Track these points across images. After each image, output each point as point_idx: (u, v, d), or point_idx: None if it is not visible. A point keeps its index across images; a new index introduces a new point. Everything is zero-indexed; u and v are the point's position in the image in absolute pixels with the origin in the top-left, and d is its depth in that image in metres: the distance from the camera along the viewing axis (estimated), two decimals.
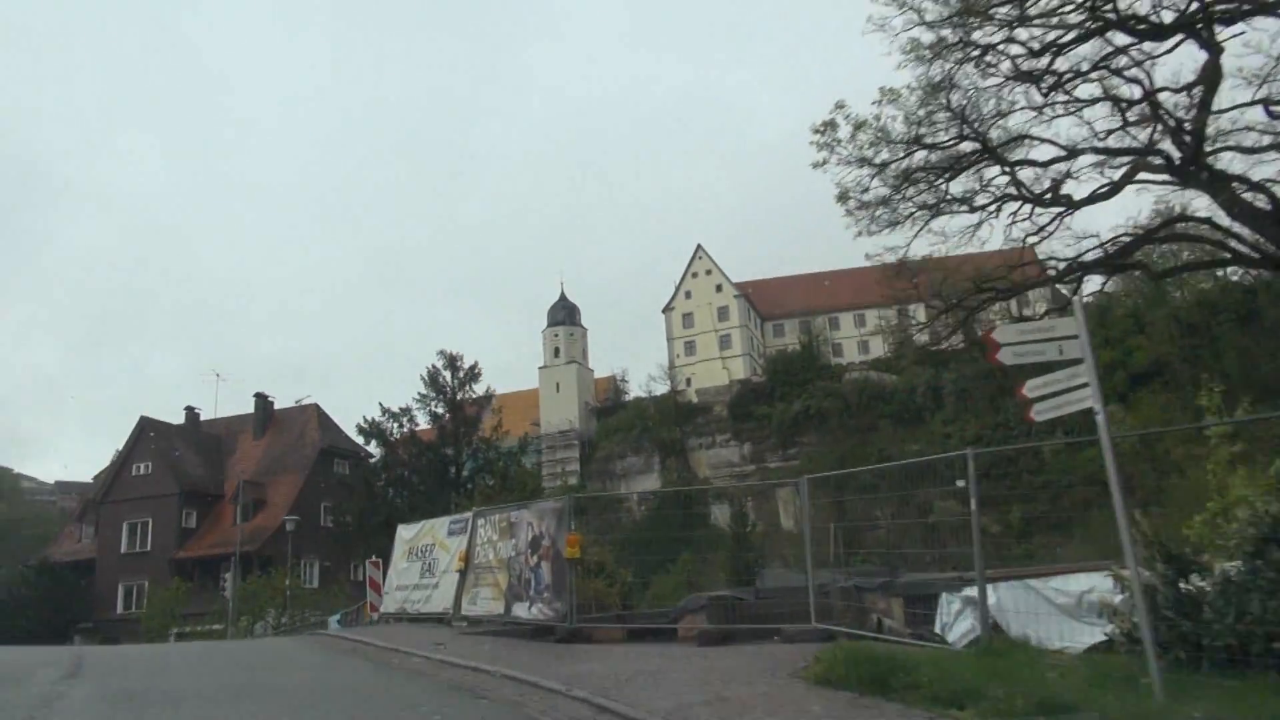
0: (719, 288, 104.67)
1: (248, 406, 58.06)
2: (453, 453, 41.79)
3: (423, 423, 43.18)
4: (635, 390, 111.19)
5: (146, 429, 53.04)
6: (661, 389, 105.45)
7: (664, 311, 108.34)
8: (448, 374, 43.56)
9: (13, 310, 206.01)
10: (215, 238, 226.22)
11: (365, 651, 13.60)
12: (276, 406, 57.63)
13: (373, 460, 46.27)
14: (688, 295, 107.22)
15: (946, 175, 20.14)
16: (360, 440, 43.59)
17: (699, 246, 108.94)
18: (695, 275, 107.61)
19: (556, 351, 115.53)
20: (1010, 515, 36.89)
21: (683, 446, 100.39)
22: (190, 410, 57.63)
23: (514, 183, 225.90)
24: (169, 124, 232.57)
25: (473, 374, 44.42)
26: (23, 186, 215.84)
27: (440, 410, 43.17)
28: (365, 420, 42.05)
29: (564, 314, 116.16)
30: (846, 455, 77.14)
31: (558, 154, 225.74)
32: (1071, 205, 19.77)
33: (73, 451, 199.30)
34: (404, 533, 22.12)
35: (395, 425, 42.35)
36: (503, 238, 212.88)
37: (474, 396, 45.24)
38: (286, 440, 55.18)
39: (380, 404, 41.40)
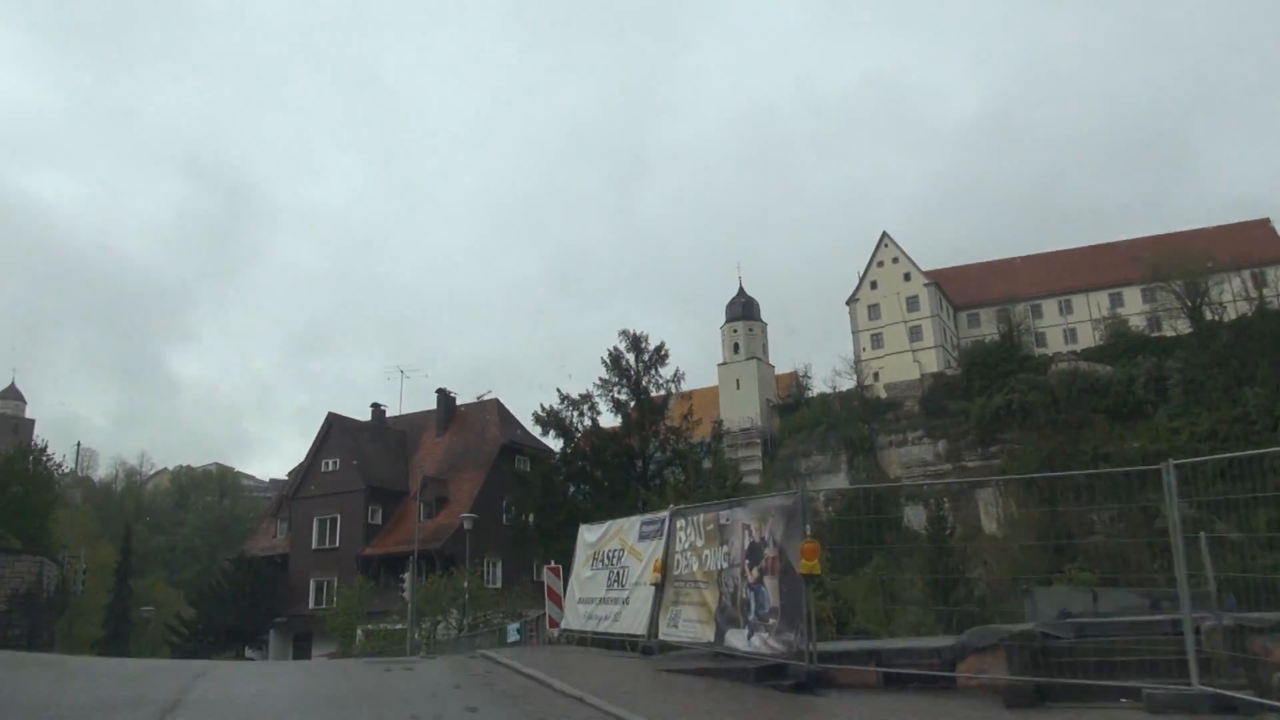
0: (907, 276, 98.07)
1: (431, 403, 57.06)
2: (638, 443, 38.15)
3: (605, 411, 39.84)
4: (819, 386, 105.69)
5: (334, 425, 52.67)
6: (847, 384, 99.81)
7: (848, 303, 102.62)
8: (631, 356, 39.58)
9: (232, 323, 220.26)
10: (405, 247, 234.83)
11: (538, 696, 10.12)
12: (458, 403, 56.35)
13: (552, 454, 43.54)
14: (873, 285, 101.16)
15: None
16: (538, 432, 40.26)
17: (884, 234, 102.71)
18: (881, 264, 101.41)
19: (736, 347, 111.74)
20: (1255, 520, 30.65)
21: (871, 444, 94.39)
22: (376, 407, 57.19)
23: (691, 178, 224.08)
24: (361, 142, 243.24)
25: (659, 356, 40.14)
26: (236, 209, 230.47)
27: (623, 397, 39.42)
28: (543, 409, 38.86)
29: (742, 308, 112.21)
30: (1054, 454, 69.86)
31: (734, 147, 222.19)
32: None
33: (287, 451, 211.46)
34: (587, 535, 18.84)
35: (575, 414, 39.03)
36: (680, 234, 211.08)
37: (661, 381, 40.95)
38: (468, 436, 53.73)
39: (559, 391, 39.02)
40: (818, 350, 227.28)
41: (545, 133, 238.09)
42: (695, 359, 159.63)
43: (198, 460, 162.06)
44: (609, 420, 38.69)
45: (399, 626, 40.09)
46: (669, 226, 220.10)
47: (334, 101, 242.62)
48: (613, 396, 39.02)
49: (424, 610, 39.37)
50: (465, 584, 35.16)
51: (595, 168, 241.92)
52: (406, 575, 37.36)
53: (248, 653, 51.07)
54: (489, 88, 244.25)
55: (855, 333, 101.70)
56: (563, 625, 18.83)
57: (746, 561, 12.84)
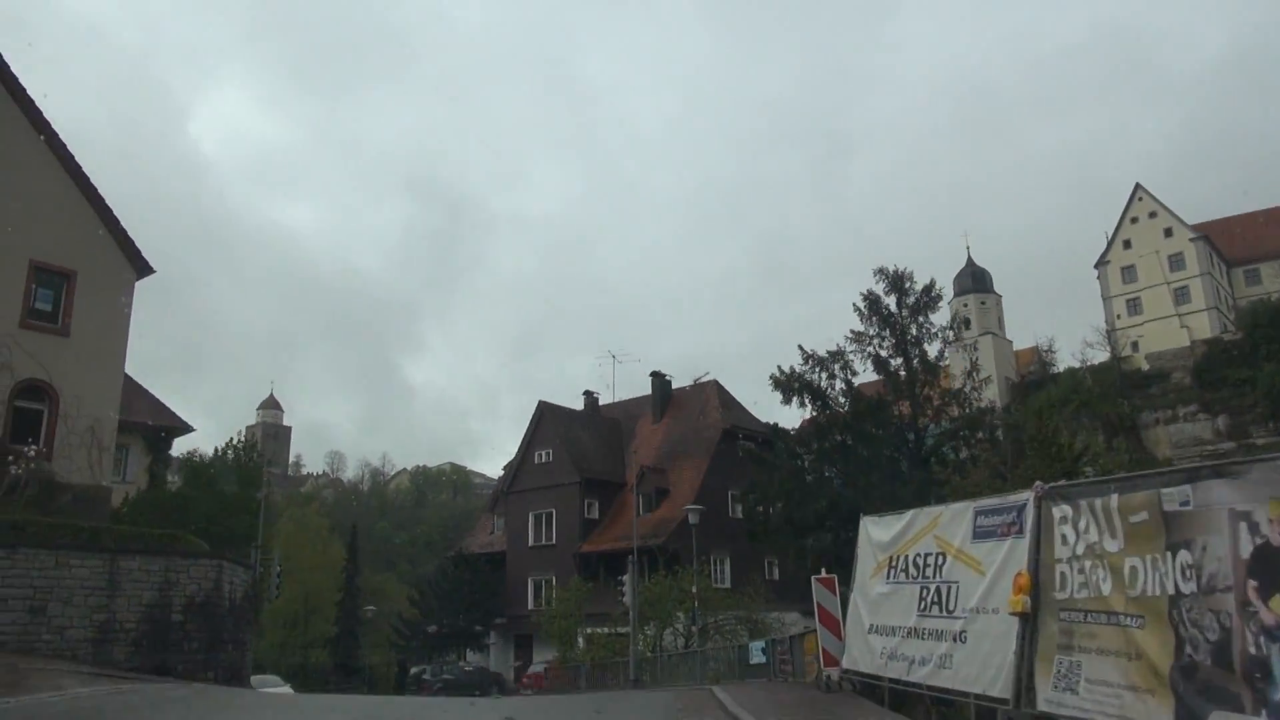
0: (1168, 232, 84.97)
1: (644, 389, 52.21)
2: (908, 410, 29.56)
3: (860, 372, 31.09)
4: (1065, 360, 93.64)
5: (545, 415, 48.75)
6: (1100, 356, 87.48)
7: (1096, 267, 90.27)
8: (892, 300, 30.21)
9: (456, 330, 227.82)
10: (613, 247, 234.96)
11: None
12: (674, 386, 51.18)
13: (785, 435, 36.45)
14: (1126, 245, 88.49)
15: None
16: (778, 399, 31.57)
17: (1138, 187, 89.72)
18: (1135, 221, 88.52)
19: (967, 323, 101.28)
20: None
21: (1133, 422, 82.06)
22: (588, 395, 52.98)
23: (898, 153, 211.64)
24: (567, 148, 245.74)
25: (929, 298, 30.67)
26: (456, 222, 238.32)
27: (884, 352, 29.97)
28: (781, 371, 30.35)
29: (972, 281, 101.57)
30: None
31: (944, 116, 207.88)
32: None
33: (510, 449, 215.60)
34: (874, 531, 12.71)
35: (823, 376, 29.89)
36: (890, 213, 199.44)
37: (933, 330, 30.93)
38: (686, 422, 48.44)
39: (801, 349, 29.89)
40: (1060, 322, 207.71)
41: (744, 119, 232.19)
42: None
43: (433, 460, 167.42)
44: (856, 388, 30.38)
45: (622, 630, 35.23)
46: (878, 205, 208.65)
47: (539, 110, 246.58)
48: (870, 352, 30.46)
49: (646, 614, 34.31)
50: (694, 588, 29.64)
51: (797, 151, 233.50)
52: (626, 577, 32.35)
53: (469, 655, 47.96)
54: (685, 79, 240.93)
55: (1107, 299, 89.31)
56: (845, 664, 12.76)
57: (1252, 583, 6.42)
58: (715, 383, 49.84)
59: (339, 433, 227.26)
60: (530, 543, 47.29)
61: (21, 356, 25.57)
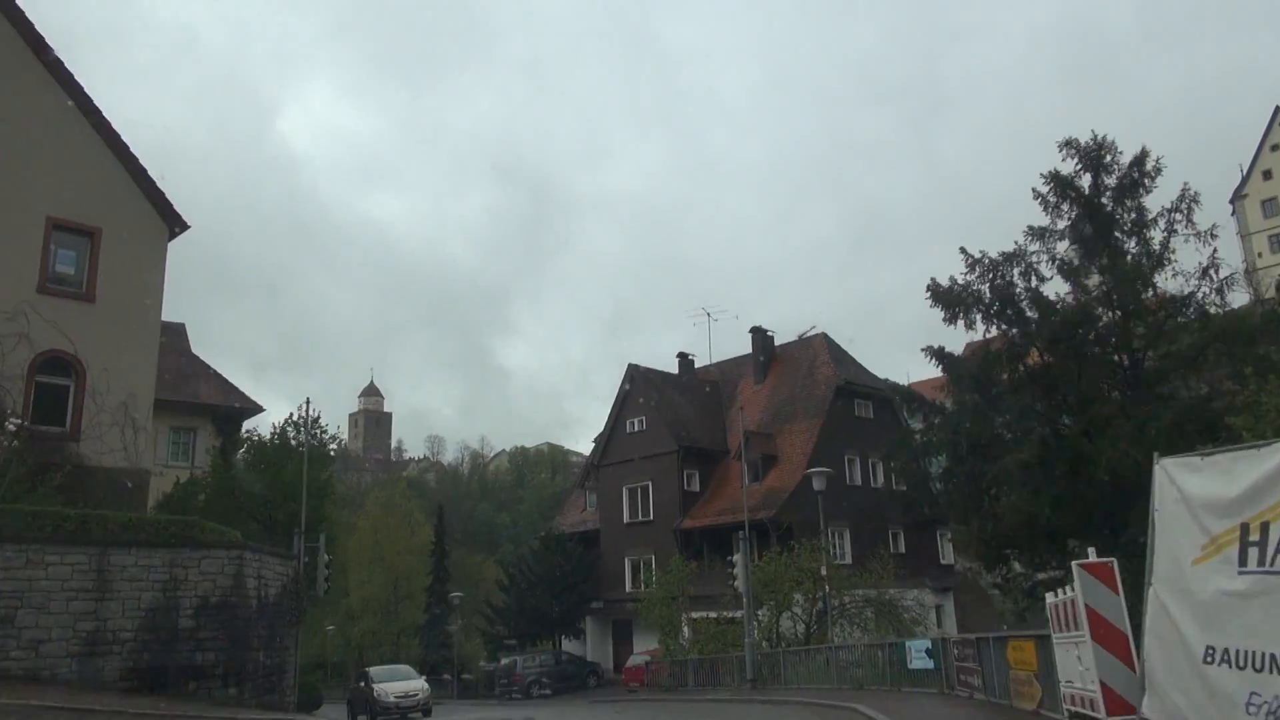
0: None
1: (744, 348, 46.66)
2: (1117, 322, 20.30)
3: (1048, 278, 21.41)
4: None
5: (636, 379, 43.66)
6: (1241, 299, 77.92)
7: (1232, 202, 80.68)
8: (1086, 178, 21.47)
9: (546, 312, 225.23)
10: (701, 221, 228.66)
11: None
12: (777, 343, 45.46)
13: (913, 397, 29.77)
14: (1266, 176, 78.84)
15: None
16: (940, 315, 20.89)
17: (1279, 109, 79.59)
18: (1276, 148, 78.69)
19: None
20: None
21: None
22: (683, 357, 47.63)
23: (997, 105, 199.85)
24: (651, 122, 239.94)
25: (1141, 175, 21.37)
26: (541, 205, 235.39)
27: (1073, 257, 20.90)
28: (935, 284, 21.11)
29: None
30: None
31: (1045, 61, 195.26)
32: None
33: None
34: (1196, 482, 7.00)
35: (994, 280, 20.41)
36: (990, 168, 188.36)
37: (1147, 217, 21.59)
38: (793, 381, 42.74)
39: (964, 251, 20.89)
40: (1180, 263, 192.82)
41: (831, 80, 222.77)
42: None
43: (530, 441, 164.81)
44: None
45: (735, 615, 30.04)
46: (977, 163, 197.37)
47: (620, 85, 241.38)
48: (1056, 255, 21.25)
49: (760, 596, 29.00)
50: (823, 568, 24.18)
51: (888, 110, 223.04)
52: (736, 557, 27.08)
53: (564, 644, 43.41)
54: (768, 41, 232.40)
55: (1244, 236, 79.77)
56: (1150, 713, 7.18)
57: None
58: (824, 336, 43.96)
59: (438, 417, 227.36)
60: (626, 519, 42.38)
61: (41, 326, 21.59)
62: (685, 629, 33.12)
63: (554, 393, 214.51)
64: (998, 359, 16.32)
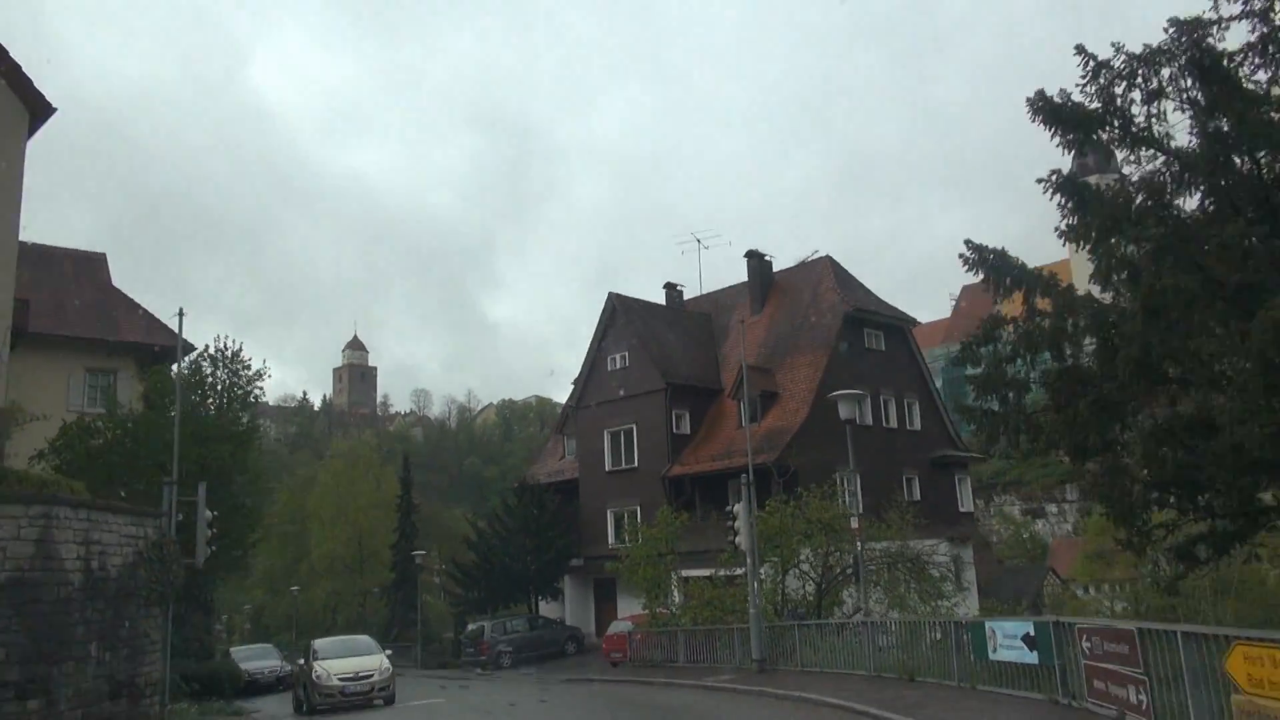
0: None
1: (739, 276, 41.01)
2: None
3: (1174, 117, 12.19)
4: None
5: (618, 310, 37.94)
6: None
7: None
8: None
9: (532, 263, 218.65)
10: (686, 166, 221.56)
11: None
12: (776, 269, 39.76)
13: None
14: None
15: None
16: (1045, 132, 12.14)
17: None
18: None
19: None
20: None
21: None
22: (670, 287, 41.89)
23: (992, 44, 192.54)
24: (632, 67, 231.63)
25: None
26: (525, 152, 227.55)
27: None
28: (1041, 97, 12.10)
29: (1093, 160, 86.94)
30: None
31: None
32: None
33: None
34: None
35: (1133, 94, 11.52)
36: (989, 110, 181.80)
37: None
38: (794, 310, 37.13)
39: (1079, 50, 11.65)
40: None
41: (817, 17, 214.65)
42: (1035, 233, 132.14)
43: (518, 394, 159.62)
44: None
45: (737, 572, 24.79)
46: (972, 104, 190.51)
47: (601, 28, 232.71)
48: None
49: (764, 552, 23.66)
50: (853, 518, 18.79)
51: (880, 50, 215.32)
52: (736, 508, 21.69)
53: (541, 607, 38.21)
54: None
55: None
56: None
57: None
58: (829, 259, 38.24)
59: (424, 371, 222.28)
60: (608, 467, 36.95)
61: None
62: (675, 591, 27.85)
63: (542, 345, 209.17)
64: (1156, 198, 10.65)
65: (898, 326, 37.65)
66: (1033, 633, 11.21)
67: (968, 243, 12.62)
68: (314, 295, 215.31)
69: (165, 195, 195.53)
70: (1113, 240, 10.76)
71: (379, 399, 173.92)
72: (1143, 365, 9.69)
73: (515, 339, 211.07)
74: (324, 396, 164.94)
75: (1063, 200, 11.63)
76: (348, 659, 20.38)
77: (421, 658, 39.31)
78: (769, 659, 19.67)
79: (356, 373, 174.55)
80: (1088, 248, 11.28)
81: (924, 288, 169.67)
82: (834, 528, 25.23)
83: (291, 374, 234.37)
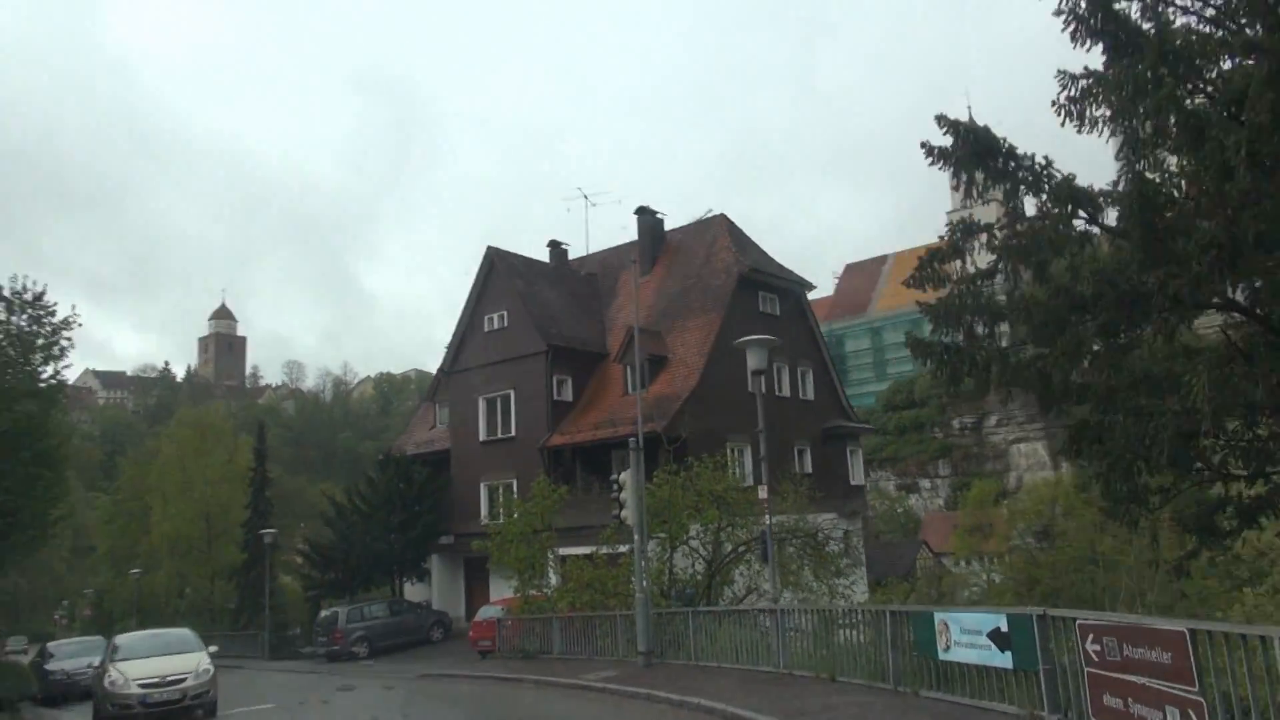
0: None
1: (628, 235, 38.04)
2: None
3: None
4: None
5: (497, 265, 34.39)
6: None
7: None
8: None
9: (416, 234, 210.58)
10: (581, 149, 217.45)
11: None
12: (668, 227, 36.93)
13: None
14: None
15: None
16: (1068, 31, 8.85)
17: None
18: None
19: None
20: None
21: None
22: (555, 246, 38.53)
23: (884, 31, 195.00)
24: (525, 41, 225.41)
25: None
26: (409, 119, 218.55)
27: None
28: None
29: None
30: None
31: None
32: None
33: None
34: None
35: None
36: (880, 96, 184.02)
37: None
38: (686, 270, 34.41)
39: None
40: None
41: (706, 19, 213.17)
42: (919, 213, 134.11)
43: (398, 367, 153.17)
44: None
45: (622, 549, 21.91)
46: (863, 89, 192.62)
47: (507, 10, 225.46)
48: None
49: (652, 527, 20.87)
50: (761, 489, 16.05)
51: (770, 36, 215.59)
52: (622, 476, 18.80)
53: (407, 589, 34.58)
54: None
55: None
56: None
57: None
58: (724, 218, 35.59)
59: (299, 343, 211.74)
60: (482, 436, 33.49)
61: None
62: (553, 573, 24.77)
63: (424, 318, 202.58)
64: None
65: (793, 291, 35.37)
66: (1005, 628, 8.65)
67: (940, 118, 9.76)
68: (180, 261, 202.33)
69: (7, 148, 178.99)
70: (1178, 88, 8.00)
71: (248, 370, 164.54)
72: (1230, 248, 7.09)
73: (396, 311, 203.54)
74: (188, 367, 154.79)
75: (1083, 31, 8.72)
76: (152, 660, 16.11)
77: (269, 648, 35.08)
78: (657, 649, 16.85)
79: (224, 342, 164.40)
80: (1111, 127, 8.57)
81: (806, 270, 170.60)
82: (727, 500, 22.74)
83: (154, 343, 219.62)
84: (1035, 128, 10.06)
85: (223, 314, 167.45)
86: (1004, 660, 8.62)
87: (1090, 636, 7.35)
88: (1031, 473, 77.34)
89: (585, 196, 47.13)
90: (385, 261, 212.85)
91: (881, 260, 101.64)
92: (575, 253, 39.39)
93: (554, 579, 24.30)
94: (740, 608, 18.17)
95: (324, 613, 31.29)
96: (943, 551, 65.34)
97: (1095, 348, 8.75)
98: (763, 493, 15.89)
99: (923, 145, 9.92)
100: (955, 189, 9.35)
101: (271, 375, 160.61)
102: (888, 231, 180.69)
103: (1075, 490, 51.18)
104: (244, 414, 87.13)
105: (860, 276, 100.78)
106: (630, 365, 31.26)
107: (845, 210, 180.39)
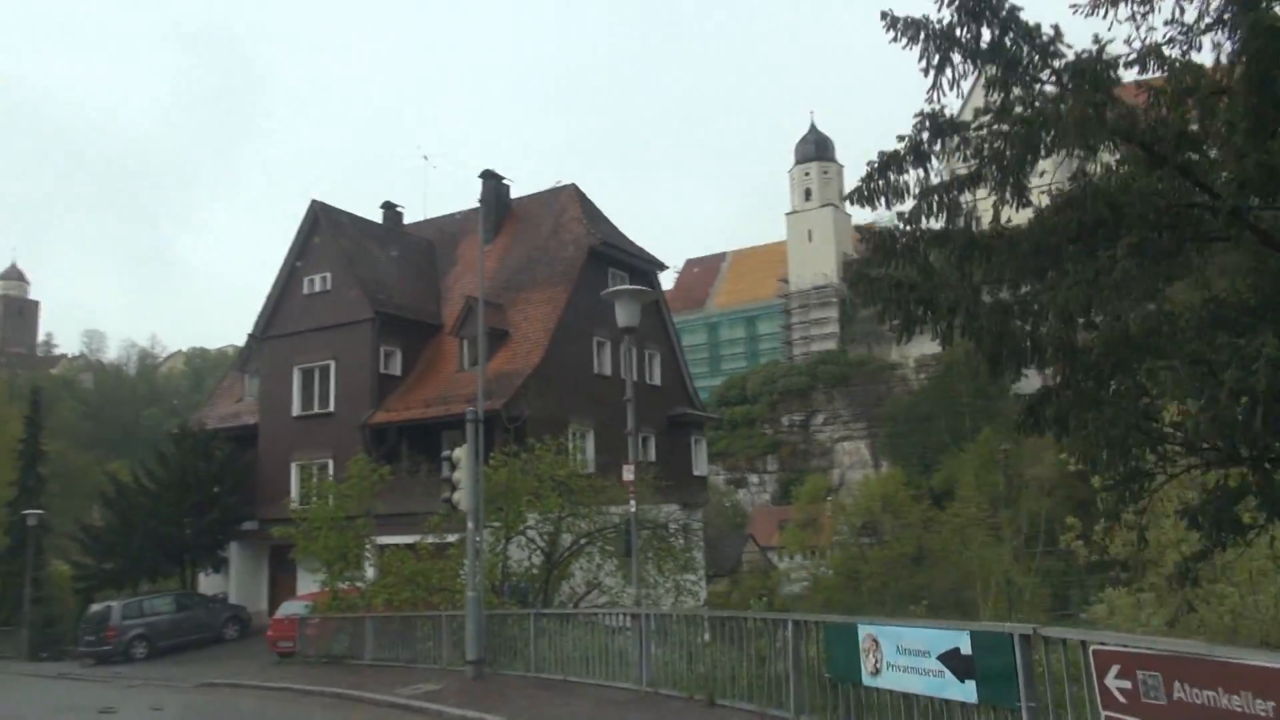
0: None
1: (471, 201, 34.81)
2: None
3: None
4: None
5: (320, 221, 30.49)
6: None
7: None
8: None
9: (241, 203, 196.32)
10: (433, 130, 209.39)
11: None
12: (515, 195, 34.01)
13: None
14: None
15: None
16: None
17: None
18: None
19: (807, 194, 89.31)
20: None
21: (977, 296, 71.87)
22: (390, 208, 34.83)
23: (739, 22, 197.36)
24: (381, 19, 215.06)
25: None
26: (237, 80, 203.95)
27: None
28: None
29: (815, 148, 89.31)
30: None
31: None
32: None
33: None
34: None
35: None
36: (731, 89, 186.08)
37: None
38: (532, 240, 31.67)
39: None
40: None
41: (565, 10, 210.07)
42: (759, 209, 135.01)
43: (213, 343, 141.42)
44: None
45: (450, 539, 19.00)
46: (715, 83, 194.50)
47: None
48: None
49: (487, 514, 18.12)
50: (628, 470, 13.73)
51: (626, 27, 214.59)
52: (455, 453, 15.96)
53: (201, 580, 30.18)
54: None
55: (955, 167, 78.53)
56: None
57: None
58: (575, 188, 32.97)
59: (101, 311, 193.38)
60: (297, 410, 29.56)
61: None
62: (369, 565, 21.55)
63: (245, 292, 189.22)
64: None
65: (645, 270, 33.24)
66: (967, 649, 6.59)
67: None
68: None
69: None
70: None
71: (41, 338, 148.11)
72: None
73: (214, 283, 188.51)
74: None
75: None
76: None
77: (31, 647, 29.78)
78: (489, 658, 14.16)
79: (14, 306, 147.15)
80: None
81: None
82: (570, 486, 20.34)
83: None
84: None
85: (13, 275, 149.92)
86: (963, 692, 6.57)
87: (1116, 668, 5.35)
88: (854, 470, 79.08)
89: (425, 158, 44.03)
90: (204, 230, 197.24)
91: (720, 257, 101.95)
92: (412, 217, 35.88)
93: (370, 572, 21.11)
94: (591, 609, 15.73)
95: (95, 607, 26.54)
96: (769, 546, 65.42)
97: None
98: (628, 474, 13.63)
99: (883, 15, 7.71)
100: (925, 73, 7.84)
101: (69, 345, 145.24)
102: (727, 229, 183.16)
103: (903, 488, 52.08)
104: (33, 384, 77.39)
105: (699, 272, 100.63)
106: (468, 339, 28.28)
107: (685, 206, 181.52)
